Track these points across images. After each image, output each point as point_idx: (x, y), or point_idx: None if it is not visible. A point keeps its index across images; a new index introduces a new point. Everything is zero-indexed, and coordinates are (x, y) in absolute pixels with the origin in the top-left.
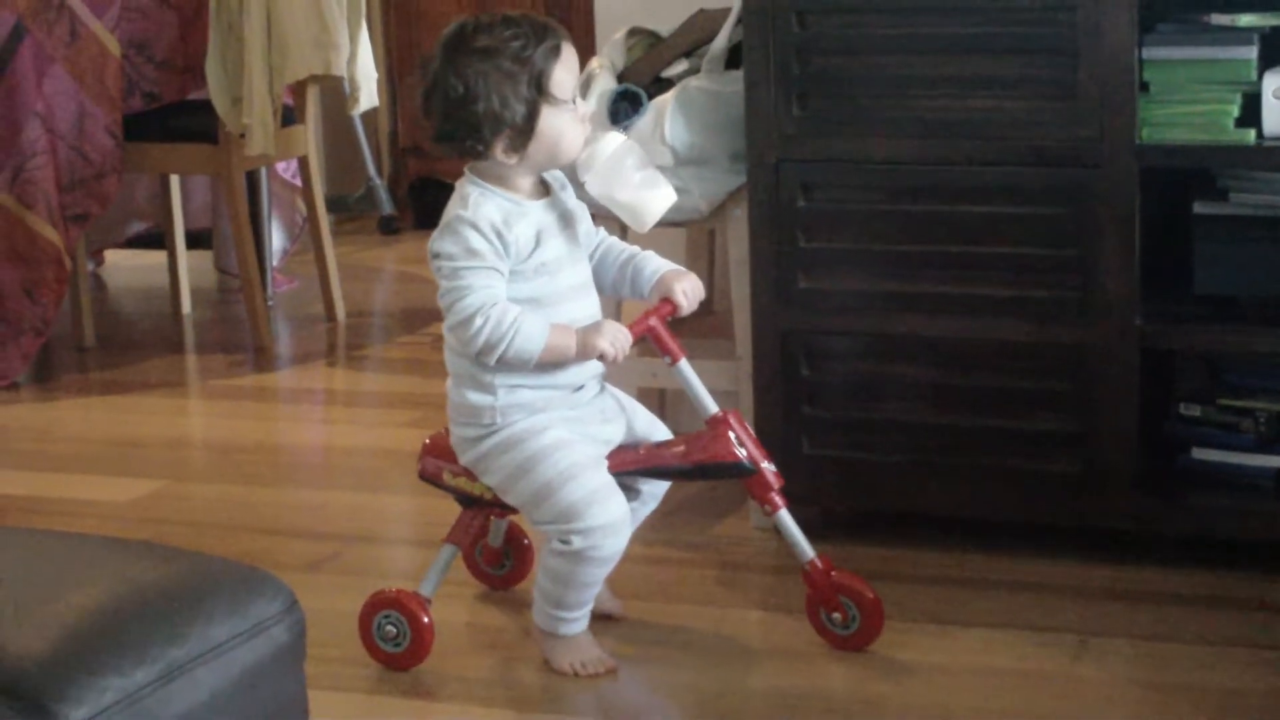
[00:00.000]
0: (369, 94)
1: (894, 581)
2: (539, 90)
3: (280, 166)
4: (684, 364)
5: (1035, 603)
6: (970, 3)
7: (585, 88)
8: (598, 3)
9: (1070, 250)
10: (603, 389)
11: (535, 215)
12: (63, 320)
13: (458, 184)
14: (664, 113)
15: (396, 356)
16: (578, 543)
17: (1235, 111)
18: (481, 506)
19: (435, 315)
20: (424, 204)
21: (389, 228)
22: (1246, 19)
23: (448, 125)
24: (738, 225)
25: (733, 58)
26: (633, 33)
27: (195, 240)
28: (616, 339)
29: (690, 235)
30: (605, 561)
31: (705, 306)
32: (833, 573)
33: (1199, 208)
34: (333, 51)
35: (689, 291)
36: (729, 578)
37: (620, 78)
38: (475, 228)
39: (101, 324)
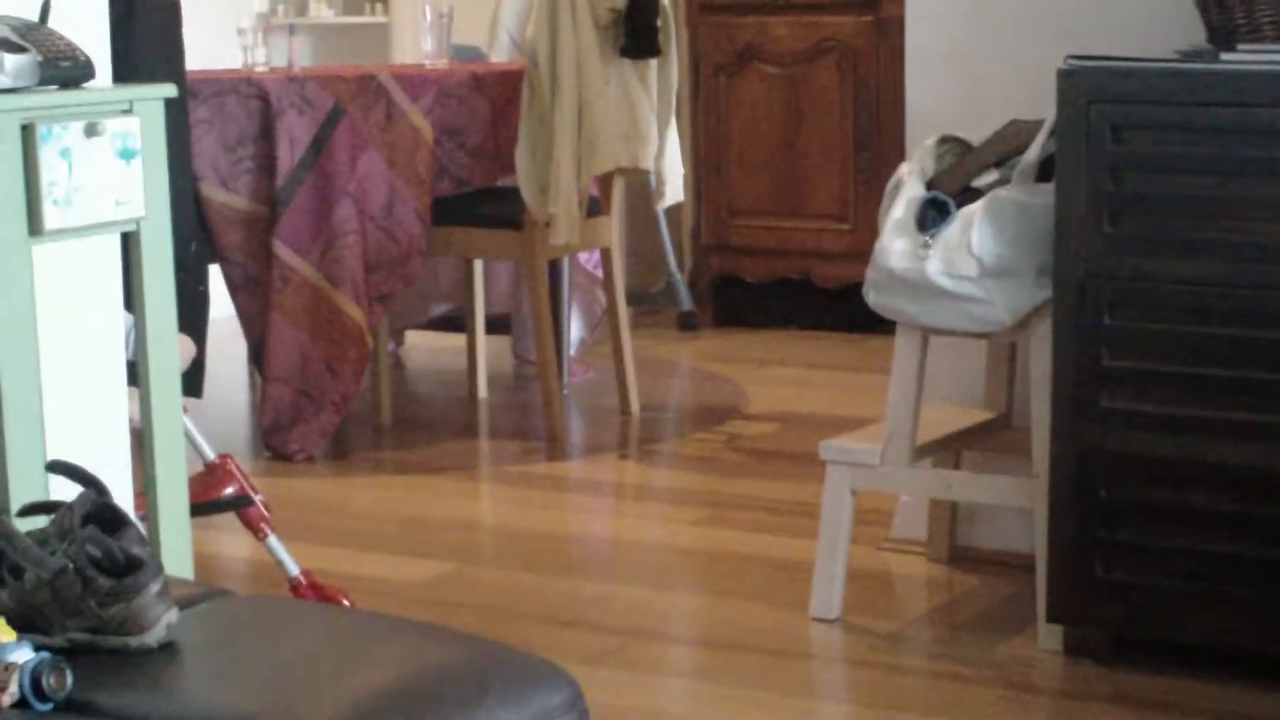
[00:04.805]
0: (675, 189)
1: (1185, 715)
2: None
3: (582, 257)
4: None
5: None
6: None
7: (894, 193)
8: (909, 109)
9: None
10: None
11: None
12: (361, 398)
13: None
14: (972, 222)
15: (689, 453)
16: None
17: None
18: None
19: (730, 413)
20: (725, 301)
21: (688, 323)
22: None
23: None
24: (1041, 340)
25: (1044, 170)
26: (943, 140)
27: (495, 325)
28: None
29: (991, 348)
30: None
31: (1003, 421)
32: (315, 585)
33: None
34: (641, 145)
35: None
36: (1012, 698)
37: (929, 185)
38: None
39: (399, 403)
